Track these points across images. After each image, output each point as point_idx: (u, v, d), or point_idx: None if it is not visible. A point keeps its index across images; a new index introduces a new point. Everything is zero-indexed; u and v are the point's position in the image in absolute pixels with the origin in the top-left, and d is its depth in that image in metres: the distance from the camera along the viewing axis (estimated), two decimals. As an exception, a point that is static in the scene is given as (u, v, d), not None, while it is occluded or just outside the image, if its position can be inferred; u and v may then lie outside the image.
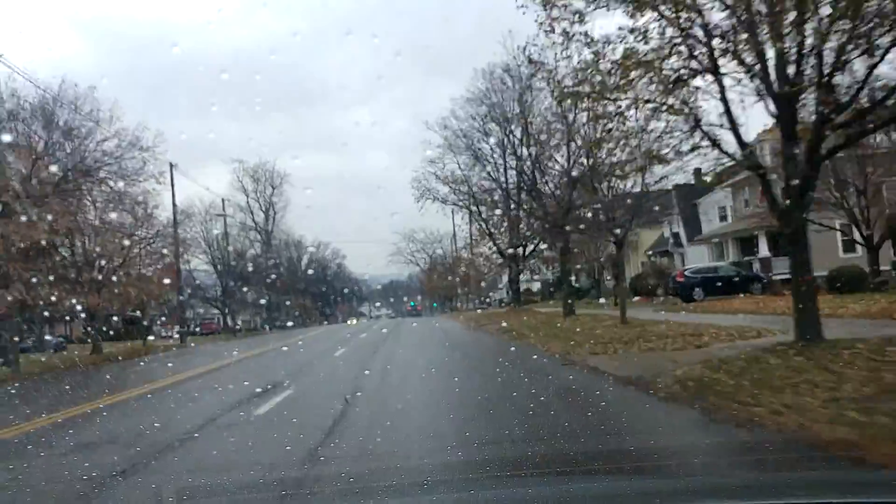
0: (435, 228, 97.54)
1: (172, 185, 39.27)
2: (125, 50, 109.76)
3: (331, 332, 47.37)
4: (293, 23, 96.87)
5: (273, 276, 73.37)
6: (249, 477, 6.43)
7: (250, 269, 60.93)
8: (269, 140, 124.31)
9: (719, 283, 29.97)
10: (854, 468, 5.24)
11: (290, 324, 79.75)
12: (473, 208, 46.76)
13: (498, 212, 42.31)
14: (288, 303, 77.26)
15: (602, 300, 40.24)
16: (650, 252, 50.76)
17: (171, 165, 38.28)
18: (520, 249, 42.94)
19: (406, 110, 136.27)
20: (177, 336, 61.39)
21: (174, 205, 39.85)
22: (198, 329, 65.35)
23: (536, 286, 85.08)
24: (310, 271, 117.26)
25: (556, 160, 28.66)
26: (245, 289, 57.12)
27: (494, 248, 46.11)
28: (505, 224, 41.61)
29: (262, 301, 68.71)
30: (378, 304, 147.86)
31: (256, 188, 77.82)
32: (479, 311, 62.51)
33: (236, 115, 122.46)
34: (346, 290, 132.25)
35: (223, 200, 56.30)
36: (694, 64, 12.01)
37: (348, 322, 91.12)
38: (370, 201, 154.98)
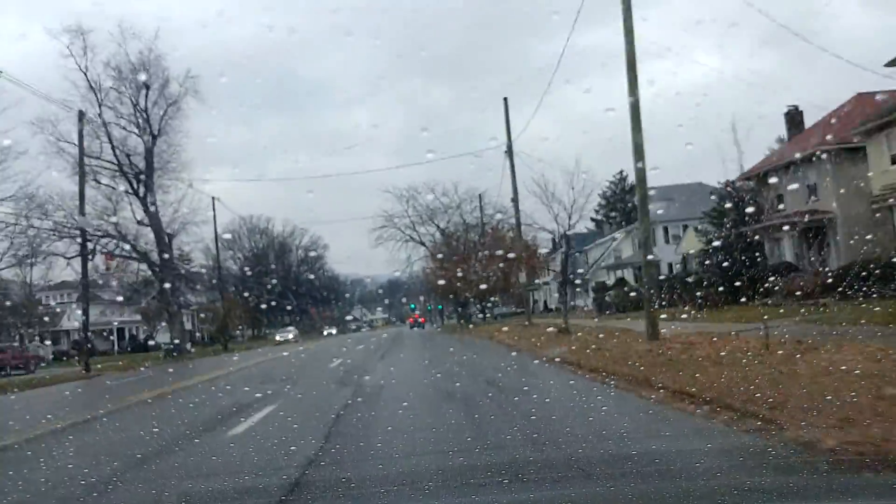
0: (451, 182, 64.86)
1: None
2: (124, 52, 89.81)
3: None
4: (293, 25, 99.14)
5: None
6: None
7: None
8: (269, 142, 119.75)
9: None
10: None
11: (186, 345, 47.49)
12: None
13: None
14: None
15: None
16: None
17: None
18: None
19: (406, 111, 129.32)
20: None
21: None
22: None
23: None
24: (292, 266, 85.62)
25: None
26: None
27: None
28: None
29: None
30: (380, 308, 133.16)
31: (136, 94, 43.67)
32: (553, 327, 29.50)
33: (236, 116, 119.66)
34: (327, 291, 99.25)
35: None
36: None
37: (279, 338, 58.23)
38: (369, 202, 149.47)
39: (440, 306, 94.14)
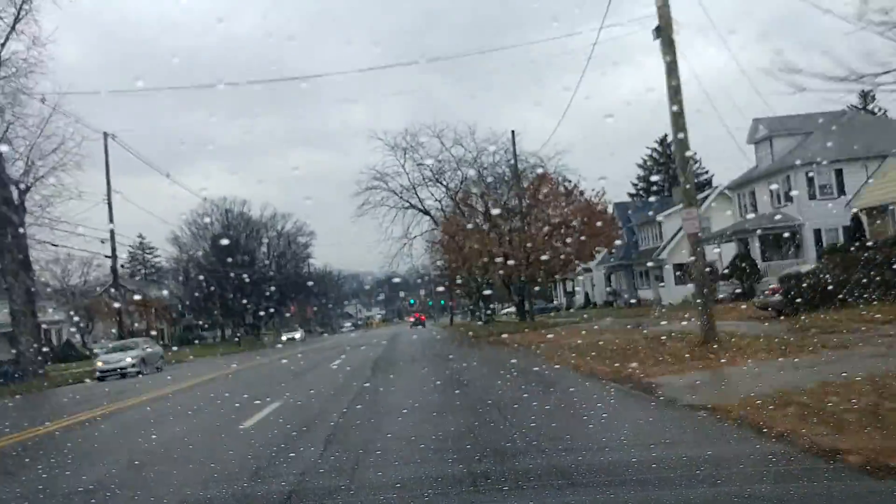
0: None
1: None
2: (124, 56, 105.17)
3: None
4: (293, 30, 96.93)
5: None
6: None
7: None
8: (270, 143, 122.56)
9: None
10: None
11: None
12: None
13: None
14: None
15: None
16: None
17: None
18: None
19: (405, 109, 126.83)
20: None
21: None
22: None
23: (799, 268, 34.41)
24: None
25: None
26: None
27: None
28: None
29: None
30: (376, 308, 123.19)
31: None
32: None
33: (236, 119, 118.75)
34: (307, 286, 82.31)
35: None
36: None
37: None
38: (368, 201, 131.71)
39: (442, 301, 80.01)
